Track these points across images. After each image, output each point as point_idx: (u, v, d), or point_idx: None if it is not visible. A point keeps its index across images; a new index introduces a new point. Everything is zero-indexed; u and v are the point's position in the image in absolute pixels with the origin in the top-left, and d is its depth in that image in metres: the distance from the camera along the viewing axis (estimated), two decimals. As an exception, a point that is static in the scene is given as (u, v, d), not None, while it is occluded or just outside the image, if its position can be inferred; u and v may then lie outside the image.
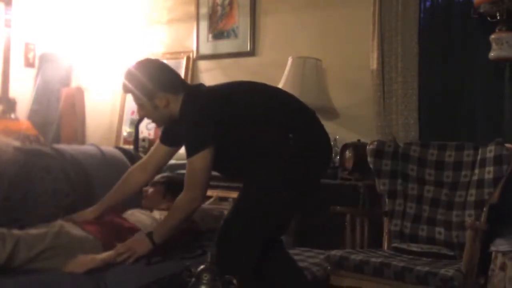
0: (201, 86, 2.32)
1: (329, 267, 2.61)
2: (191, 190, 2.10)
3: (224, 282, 1.66)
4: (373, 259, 2.50)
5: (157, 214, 2.49)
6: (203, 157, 2.06)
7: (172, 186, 2.61)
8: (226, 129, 2.09)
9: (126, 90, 2.24)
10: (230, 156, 2.15)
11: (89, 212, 2.38)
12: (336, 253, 2.60)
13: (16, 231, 1.98)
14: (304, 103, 2.29)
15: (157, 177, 2.74)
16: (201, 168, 2.08)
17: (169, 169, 3.77)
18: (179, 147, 2.41)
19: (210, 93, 2.25)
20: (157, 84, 2.18)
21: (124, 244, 2.12)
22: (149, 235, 2.12)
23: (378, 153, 3.04)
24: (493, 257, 2.61)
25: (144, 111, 2.25)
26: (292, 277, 2.31)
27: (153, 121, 2.34)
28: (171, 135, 2.37)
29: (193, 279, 1.67)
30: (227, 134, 2.10)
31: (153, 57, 4.48)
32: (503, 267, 2.55)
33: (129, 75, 2.21)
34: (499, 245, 2.59)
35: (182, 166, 3.92)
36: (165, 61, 2.37)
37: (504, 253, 2.57)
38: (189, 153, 2.09)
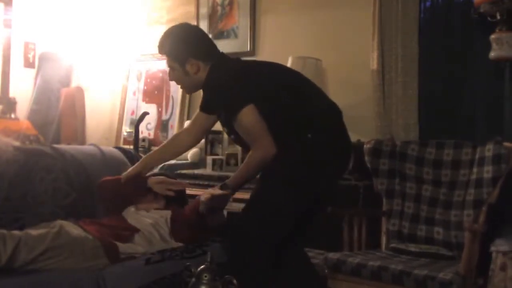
0: (233, 59, 2.32)
1: (326, 270, 2.59)
2: (255, 148, 2.09)
3: (224, 282, 1.65)
4: (371, 262, 2.47)
5: (154, 214, 2.48)
6: (248, 113, 2.04)
7: None
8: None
9: (161, 50, 2.27)
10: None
11: (131, 170, 2.47)
12: (333, 256, 2.58)
13: (16, 232, 1.98)
14: (333, 103, 2.28)
15: None
16: (251, 122, 2.06)
17: (169, 169, 3.77)
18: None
19: (239, 62, 2.28)
20: (190, 49, 2.21)
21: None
22: (223, 186, 2.13)
23: (376, 152, 3.02)
24: (494, 257, 2.60)
25: (174, 75, 2.28)
26: (304, 280, 2.31)
27: (182, 87, 2.36)
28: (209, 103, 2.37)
29: (193, 279, 1.67)
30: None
31: (153, 56, 4.57)
32: (503, 267, 2.54)
33: (165, 37, 2.25)
34: (499, 245, 2.58)
35: (182, 166, 3.95)
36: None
37: (504, 253, 2.56)
38: (232, 115, 2.08)
